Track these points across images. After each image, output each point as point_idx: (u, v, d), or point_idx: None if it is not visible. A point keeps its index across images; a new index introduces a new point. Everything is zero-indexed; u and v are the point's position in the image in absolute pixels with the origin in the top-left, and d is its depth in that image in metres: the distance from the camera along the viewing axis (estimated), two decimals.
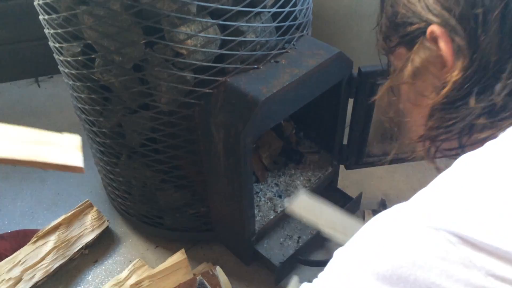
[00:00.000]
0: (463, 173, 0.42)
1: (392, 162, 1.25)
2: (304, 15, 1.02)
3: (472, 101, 0.45)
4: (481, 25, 0.44)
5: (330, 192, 1.28)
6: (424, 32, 0.48)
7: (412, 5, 0.49)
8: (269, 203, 1.18)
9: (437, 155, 0.53)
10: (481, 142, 0.45)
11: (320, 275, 0.47)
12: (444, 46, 0.47)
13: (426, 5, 0.48)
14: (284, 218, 1.21)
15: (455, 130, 0.48)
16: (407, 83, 0.53)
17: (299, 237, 1.18)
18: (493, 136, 0.45)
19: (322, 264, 1.14)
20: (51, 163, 0.68)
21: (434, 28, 0.47)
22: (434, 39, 0.48)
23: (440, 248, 0.37)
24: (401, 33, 0.52)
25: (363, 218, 1.30)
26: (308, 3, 1.02)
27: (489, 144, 0.44)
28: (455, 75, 0.46)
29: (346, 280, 0.43)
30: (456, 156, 0.46)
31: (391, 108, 0.60)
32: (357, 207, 1.28)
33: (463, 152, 0.47)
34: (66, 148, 0.72)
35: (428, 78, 0.50)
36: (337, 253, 0.46)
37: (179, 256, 1.11)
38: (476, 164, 0.42)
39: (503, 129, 0.44)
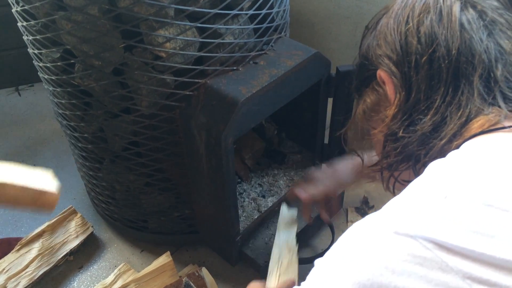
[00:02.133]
0: (432, 180, 0.44)
1: None
2: (282, 17, 1.04)
3: (400, 132, 0.53)
4: (413, 68, 0.52)
5: None
6: (375, 76, 0.58)
7: (367, 54, 0.60)
8: (253, 204, 1.19)
9: (396, 187, 0.59)
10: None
11: (303, 284, 0.48)
12: (388, 86, 0.56)
13: (374, 54, 0.58)
14: (269, 218, 1.22)
15: (403, 158, 0.54)
16: (362, 119, 0.63)
17: None
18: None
19: (306, 261, 1.15)
20: (24, 187, 0.63)
21: (380, 72, 0.57)
22: (382, 81, 0.57)
23: (417, 254, 0.39)
24: (362, 77, 0.62)
25: (346, 216, 1.32)
26: (285, 5, 1.04)
27: (453, 153, 0.47)
28: (393, 109, 0.54)
29: None
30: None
31: (357, 140, 0.71)
32: (340, 204, 1.30)
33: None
34: (41, 176, 0.68)
35: (378, 115, 0.59)
36: (318, 263, 0.48)
37: (164, 258, 1.11)
38: (444, 171, 0.44)
39: (440, 150, 0.50)
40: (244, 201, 1.20)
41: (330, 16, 1.64)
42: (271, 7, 0.97)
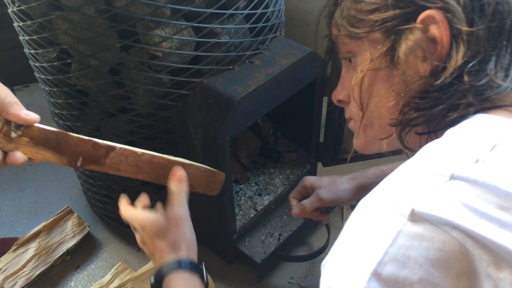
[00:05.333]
0: (430, 160, 0.44)
1: (367, 158, 1.28)
2: (277, 17, 1.05)
3: (466, 78, 0.46)
4: (478, 15, 0.46)
5: None
6: (411, 18, 0.48)
7: None
8: (249, 202, 1.20)
9: (408, 141, 0.53)
10: (447, 126, 0.47)
11: None
12: (442, 32, 0.46)
13: None
14: (265, 216, 1.23)
15: (433, 113, 0.48)
16: (386, 68, 0.52)
17: (280, 234, 1.20)
18: (458, 121, 0.47)
19: (302, 259, 1.16)
20: (203, 168, 0.68)
21: (433, 13, 0.46)
22: (428, 24, 0.47)
23: (438, 238, 0.39)
24: (378, 17, 0.50)
25: (342, 213, 1.33)
26: (280, 5, 1.05)
27: (449, 131, 0.46)
28: (459, 59, 0.46)
29: None
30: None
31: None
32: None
33: (430, 138, 0.49)
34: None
35: (415, 63, 0.49)
36: (325, 266, 0.45)
37: None
38: (440, 151, 0.44)
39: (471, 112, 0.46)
40: (240, 199, 1.21)
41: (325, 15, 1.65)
42: (267, 7, 0.98)
